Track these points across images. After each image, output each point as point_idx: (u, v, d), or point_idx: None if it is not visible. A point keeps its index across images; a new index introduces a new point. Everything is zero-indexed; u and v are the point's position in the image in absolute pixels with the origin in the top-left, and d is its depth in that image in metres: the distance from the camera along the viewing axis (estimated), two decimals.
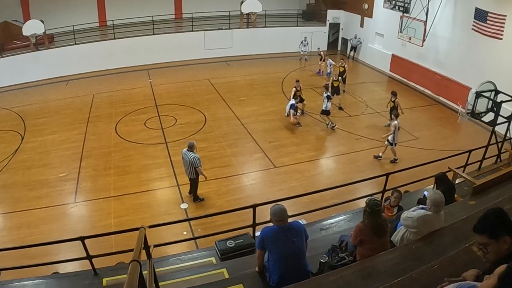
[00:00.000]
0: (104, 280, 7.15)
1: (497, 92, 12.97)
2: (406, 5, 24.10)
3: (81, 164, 15.75)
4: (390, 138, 15.58)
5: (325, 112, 18.27)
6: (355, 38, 29.25)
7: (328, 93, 18.28)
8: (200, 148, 13.27)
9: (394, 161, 15.82)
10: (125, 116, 19.86)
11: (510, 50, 17.85)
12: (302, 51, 29.26)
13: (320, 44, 31.85)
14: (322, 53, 26.21)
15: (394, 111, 16.32)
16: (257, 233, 8.25)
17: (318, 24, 32.16)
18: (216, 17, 30.05)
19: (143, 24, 27.56)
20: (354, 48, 29.67)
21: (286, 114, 19.12)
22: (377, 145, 17.13)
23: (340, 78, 21.62)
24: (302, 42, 29.19)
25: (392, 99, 17.84)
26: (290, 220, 5.84)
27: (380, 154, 16.06)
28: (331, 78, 21.73)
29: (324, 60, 25.14)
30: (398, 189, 9.43)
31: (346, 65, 22.95)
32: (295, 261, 5.62)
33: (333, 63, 24.12)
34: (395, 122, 15.46)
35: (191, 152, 12.52)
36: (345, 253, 6.48)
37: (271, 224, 5.81)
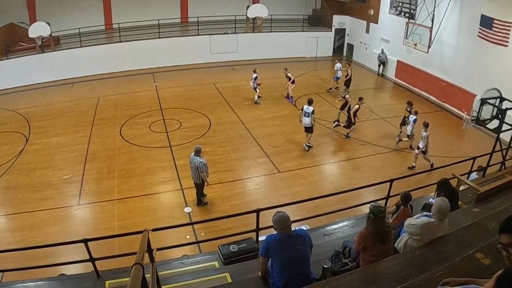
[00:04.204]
0: (107, 282, 7.15)
1: (502, 99, 12.94)
2: (411, 11, 24.11)
3: (85, 166, 15.79)
4: (421, 145, 15.49)
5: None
6: (382, 53, 27.48)
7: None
8: (205, 152, 13.27)
9: (432, 167, 15.37)
10: (130, 119, 19.91)
11: None
12: None
13: (326, 49, 31.93)
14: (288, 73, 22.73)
15: (424, 122, 15.68)
16: (261, 238, 8.23)
17: (324, 29, 32.16)
18: (222, 21, 30.11)
19: (149, 28, 27.64)
20: (382, 64, 27.80)
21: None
22: (381, 151, 17.15)
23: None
24: None
25: (408, 109, 17.46)
26: (293, 225, 5.83)
27: (413, 164, 15.88)
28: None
29: (292, 82, 22.41)
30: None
31: (350, 69, 23.32)
32: (299, 269, 5.59)
33: (341, 66, 24.12)
34: (426, 132, 15.28)
35: (198, 157, 12.52)
36: (348, 259, 6.46)
37: (274, 229, 5.80)
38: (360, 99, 17.98)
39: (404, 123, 17.84)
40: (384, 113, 21.02)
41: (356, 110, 17.68)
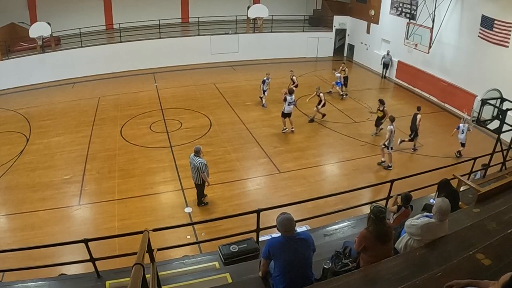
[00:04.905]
0: (107, 283, 7.14)
1: (502, 99, 12.94)
2: (412, 11, 24.11)
3: (85, 166, 15.80)
4: (386, 142, 15.77)
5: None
6: (388, 54, 27.09)
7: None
8: (205, 152, 13.29)
9: (388, 168, 16.10)
10: (130, 120, 19.92)
11: None
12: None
13: (327, 50, 31.92)
14: (293, 75, 22.67)
15: (390, 116, 16.28)
16: (261, 238, 8.24)
17: (324, 30, 32.20)
18: (223, 21, 30.15)
19: (149, 28, 27.66)
20: (386, 66, 27.35)
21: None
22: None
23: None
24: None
25: (380, 108, 17.97)
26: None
27: (383, 159, 16.26)
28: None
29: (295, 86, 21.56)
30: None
31: (346, 69, 23.96)
32: (300, 272, 5.58)
33: (339, 74, 23.97)
34: (391, 126, 15.64)
35: (197, 157, 12.52)
36: (348, 260, 6.45)
37: (275, 229, 5.78)
38: (419, 108, 17.94)
39: (378, 124, 18.35)
40: None
41: (419, 120, 17.40)
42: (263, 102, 21.92)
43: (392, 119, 15.88)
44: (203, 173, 12.53)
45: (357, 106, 22.11)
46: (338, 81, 23.87)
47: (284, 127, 18.88)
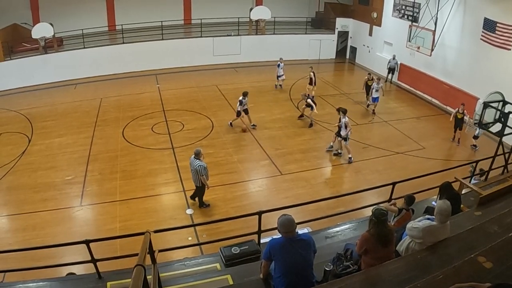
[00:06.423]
0: (108, 284, 7.14)
1: (505, 102, 12.90)
2: (415, 14, 24.08)
3: (87, 167, 15.81)
4: (342, 133, 16.47)
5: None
6: (393, 59, 26.28)
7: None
8: (207, 154, 13.30)
9: (349, 161, 16.70)
10: (133, 121, 19.93)
11: None
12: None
13: (329, 52, 31.92)
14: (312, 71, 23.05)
15: (342, 108, 16.79)
16: (263, 240, 8.23)
17: (327, 32, 32.22)
18: (225, 23, 30.15)
19: (152, 29, 27.66)
20: (392, 70, 26.66)
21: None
22: (384, 153, 17.13)
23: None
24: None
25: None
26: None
27: (331, 144, 17.31)
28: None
29: (311, 83, 22.43)
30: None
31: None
32: (301, 273, 5.58)
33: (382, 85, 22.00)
34: (345, 119, 16.33)
35: (197, 160, 12.52)
36: (350, 262, 6.45)
37: (276, 231, 5.78)
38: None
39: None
40: (386, 116, 21.01)
41: None
42: (279, 83, 23.09)
43: (345, 112, 16.54)
44: (202, 176, 12.53)
45: (359, 109, 22.07)
46: (377, 96, 21.47)
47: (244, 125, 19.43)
